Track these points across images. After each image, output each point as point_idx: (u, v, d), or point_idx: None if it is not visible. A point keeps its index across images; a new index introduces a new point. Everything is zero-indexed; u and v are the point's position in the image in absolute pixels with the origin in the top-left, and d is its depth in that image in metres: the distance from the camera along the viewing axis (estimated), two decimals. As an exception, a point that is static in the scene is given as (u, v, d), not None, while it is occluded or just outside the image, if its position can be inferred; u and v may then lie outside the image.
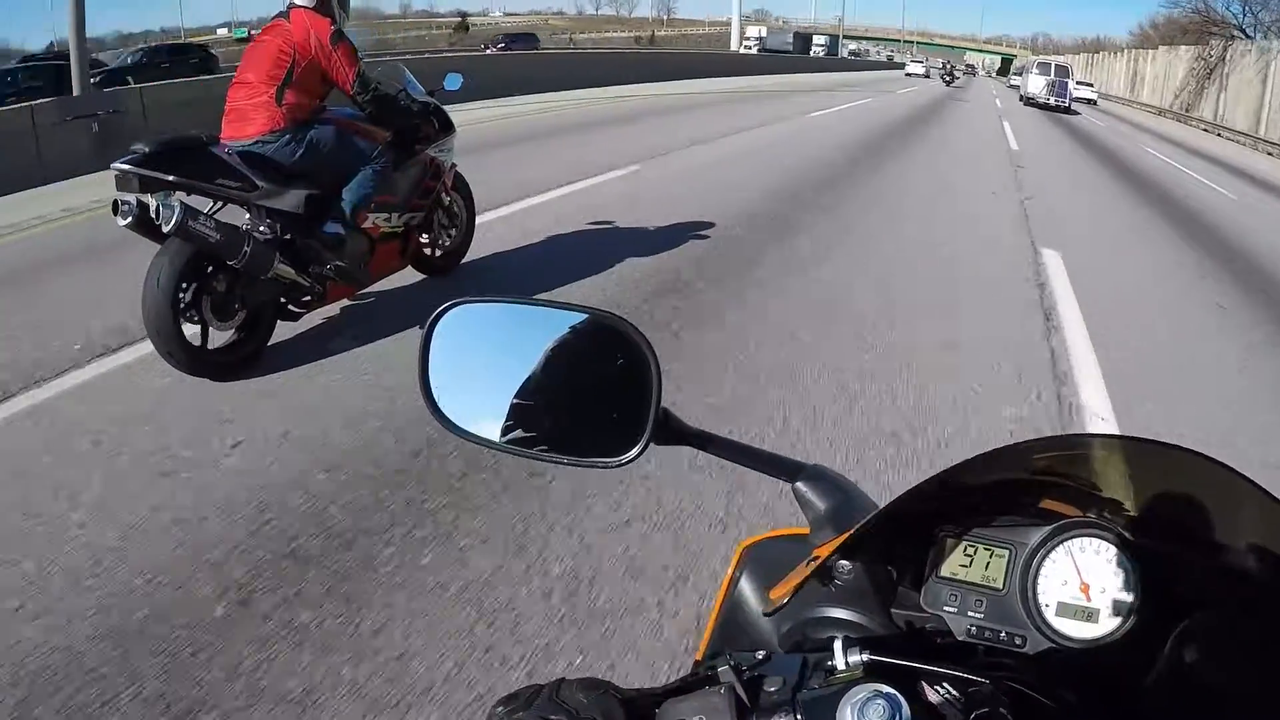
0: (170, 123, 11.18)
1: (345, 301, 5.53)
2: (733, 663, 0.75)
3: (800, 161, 13.07)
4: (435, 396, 1.07)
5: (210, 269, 4.48)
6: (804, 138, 16.86)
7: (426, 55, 26.52)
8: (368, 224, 5.18)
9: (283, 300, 4.90)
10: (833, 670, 0.75)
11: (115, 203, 4.26)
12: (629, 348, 0.97)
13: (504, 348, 1.08)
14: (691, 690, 0.77)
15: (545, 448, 1.02)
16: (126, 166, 4.21)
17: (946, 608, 0.86)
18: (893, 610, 0.90)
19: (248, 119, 4.78)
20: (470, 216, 6.34)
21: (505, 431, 1.03)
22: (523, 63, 28.20)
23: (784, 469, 1.01)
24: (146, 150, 4.27)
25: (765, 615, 0.97)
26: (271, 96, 4.77)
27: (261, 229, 4.74)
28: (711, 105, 22.67)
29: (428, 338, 1.06)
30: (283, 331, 4.99)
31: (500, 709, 0.78)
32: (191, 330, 4.47)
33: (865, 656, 0.74)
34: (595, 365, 1.02)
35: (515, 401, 1.02)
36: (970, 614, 0.85)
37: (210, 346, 4.57)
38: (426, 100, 5.74)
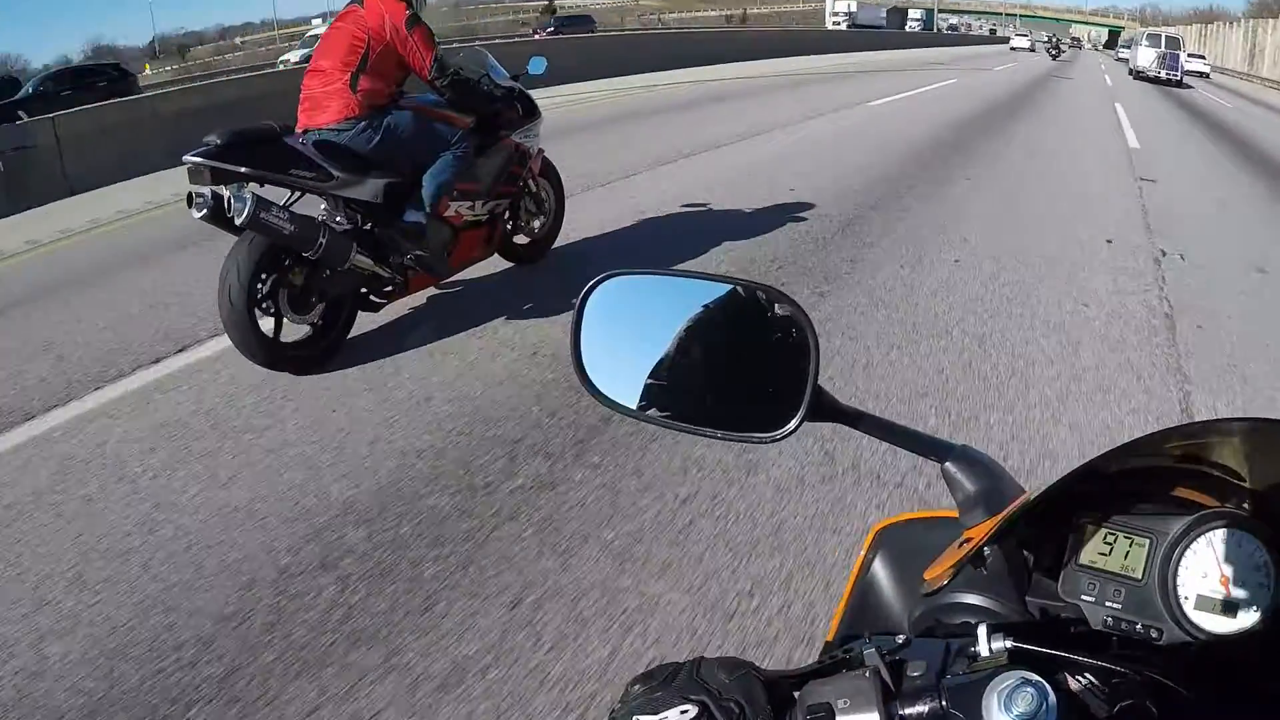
0: (91, 155, 11.19)
1: (432, 290, 5.34)
2: (876, 646, 0.74)
3: (812, 194, 8.20)
4: (587, 369, 1.05)
5: (287, 261, 4.34)
6: (842, 143, 11.77)
7: (499, 41, 25.62)
8: (450, 212, 4.96)
9: (364, 291, 4.72)
10: (975, 657, 0.73)
11: (190, 195, 4.14)
12: (786, 320, 0.95)
13: (657, 320, 1.04)
14: (832, 672, 0.75)
15: (697, 421, 0.99)
16: (198, 159, 4.08)
17: (1084, 597, 0.85)
18: (1027, 598, 0.88)
19: (322, 107, 4.59)
20: (559, 202, 6.09)
21: (657, 404, 1.02)
22: (612, 45, 27.06)
23: (934, 449, 0.97)
24: (219, 142, 4.14)
25: (924, 595, 0.93)
26: (346, 83, 4.57)
27: (338, 219, 4.55)
28: (752, 95, 18.12)
29: (580, 310, 1.05)
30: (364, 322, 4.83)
31: (636, 687, 0.76)
32: (271, 324, 4.36)
33: (1009, 643, 0.72)
34: (749, 337, 1.00)
35: (667, 374, 1.01)
36: (1108, 604, 0.84)
37: (289, 340, 4.45)
38: (510, 85, 5.51)
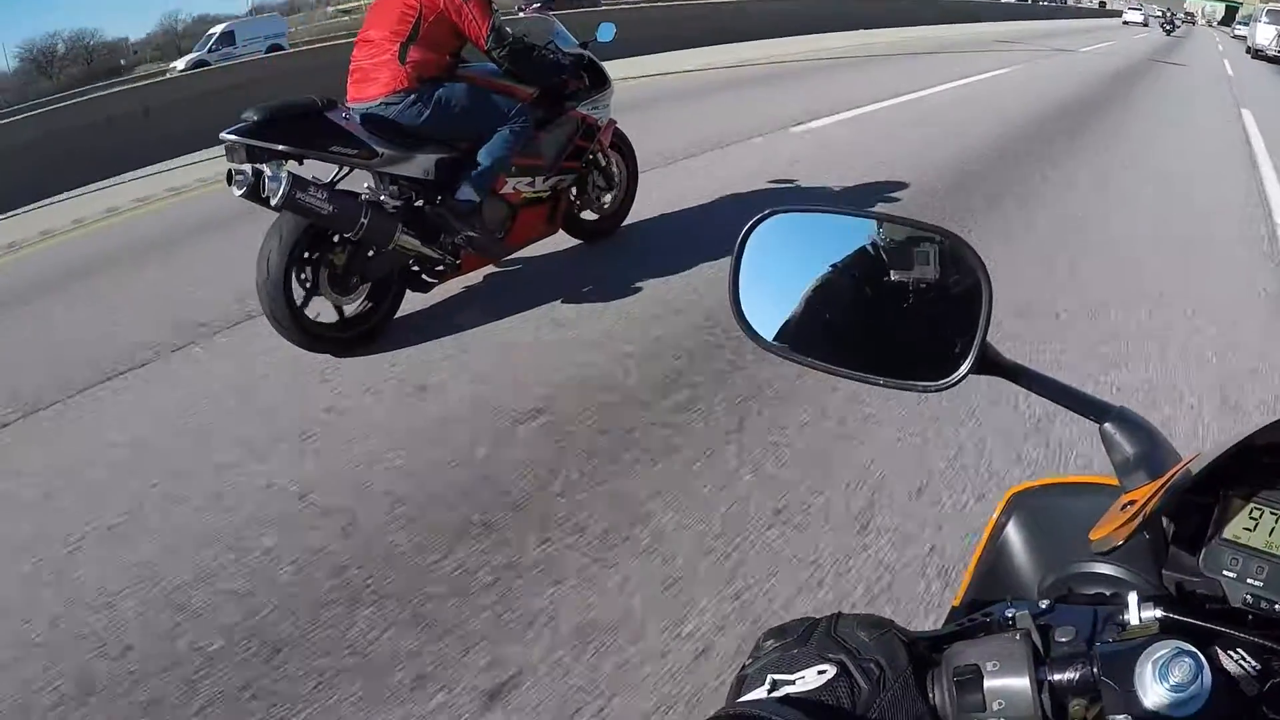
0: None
1: (491, 268, 5.15)
2: (1025, 609, 0.72)
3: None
4: (744, 309, 1.03)
5: (334, 238, 4.21)
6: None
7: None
8: (507, 189, 4.75)
9: (416, 269, 4.57)
10: (1124, 625, 0.70)
11: (229, 172, 4.02)
12: (958, 265, 0.93)
13: (819, 260, 1.01)
14: (976, 635, 0.72)
15: (857, 366, 0.96)
16: (233, 136, 3.92)
17: (1226, 572, 0.79)
18: (1164, 570, 0.83)
19: (370, 79, 4.41)
20: (632, 177, 5.79)
21: (816, 347, 1.01)
22: (695, 14, 22.29)
23: (1093, 409, 0.93)
24: (255, 118, 3.95)
25: (1098, 555, 0.88)
26: (395, 54, 4.36)
27: (383, 197, 4.36)
28: (762, 82, 13.80)
29: (740, 248, 1.03)
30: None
31: (770, 642, 0.75)
32: (314, 304, 4.26)
33: (1160, 613, 0.69)
34: (917, 281, 0.96)
35: (828, 316, 1.00)
36: (1249, 581, 0.78)
37: (331, 320, 4.35)
38: (578, 53, 5.22)
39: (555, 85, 4.96)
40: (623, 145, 5.67)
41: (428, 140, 4.43)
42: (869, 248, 0.98)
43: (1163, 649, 0.63)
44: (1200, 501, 0.82)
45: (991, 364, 0.93)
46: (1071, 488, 1.06)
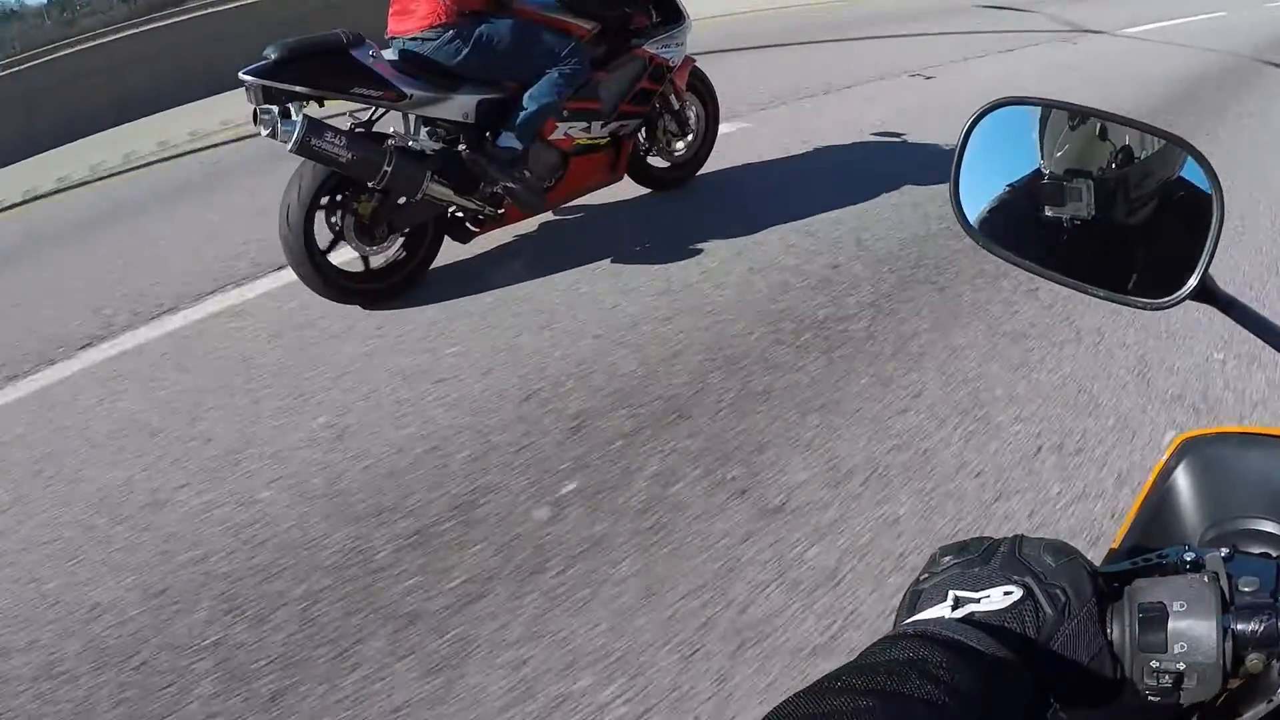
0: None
1: (548, 216, 4.79)
2: (1208, 554, 0.71)
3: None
4: (963, 205, 1.02)
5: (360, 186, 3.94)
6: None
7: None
8: (558, 135, 4.35)
9: (459, 216, 4.26)
10: None
11: (255, 112, 3.77)
12: (1191, 178, 0.88)
13: (1043, 156, 0.96)
14: (1161, 574, 0.70)
15: (1076, 274, 0.94)
16: (250, 77, 3.66)
17: None
18: None
19: (409, 11, 4.05)
20: (712, 121, 5.27)
21: (1035, 249, 0.98)
22: None
23: None
24: (274, 56, 3.67)
25: (1267, 513, 0.87)
26: None
27: (410, 142, 4.03)
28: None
29: (965, 139, 1.00)
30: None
31: (948, 558, 0.72)
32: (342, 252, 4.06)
33: None
34: (1146, 192, 0.94)
35: (1048, 217, 0.95)
36: None
37: (360, 269, 4.11)
38: None
39: (618, 20, 4.50)
40: (702, 87, 5.16)
41: (468, 80, 4.08)
42: (1096, 149, 0.93)
43: None
44: None
45: (1207, 291, 0.88)
46: (1248, 438, 1.00)
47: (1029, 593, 0.66)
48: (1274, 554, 0.76)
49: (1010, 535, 0.73)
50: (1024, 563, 0.69)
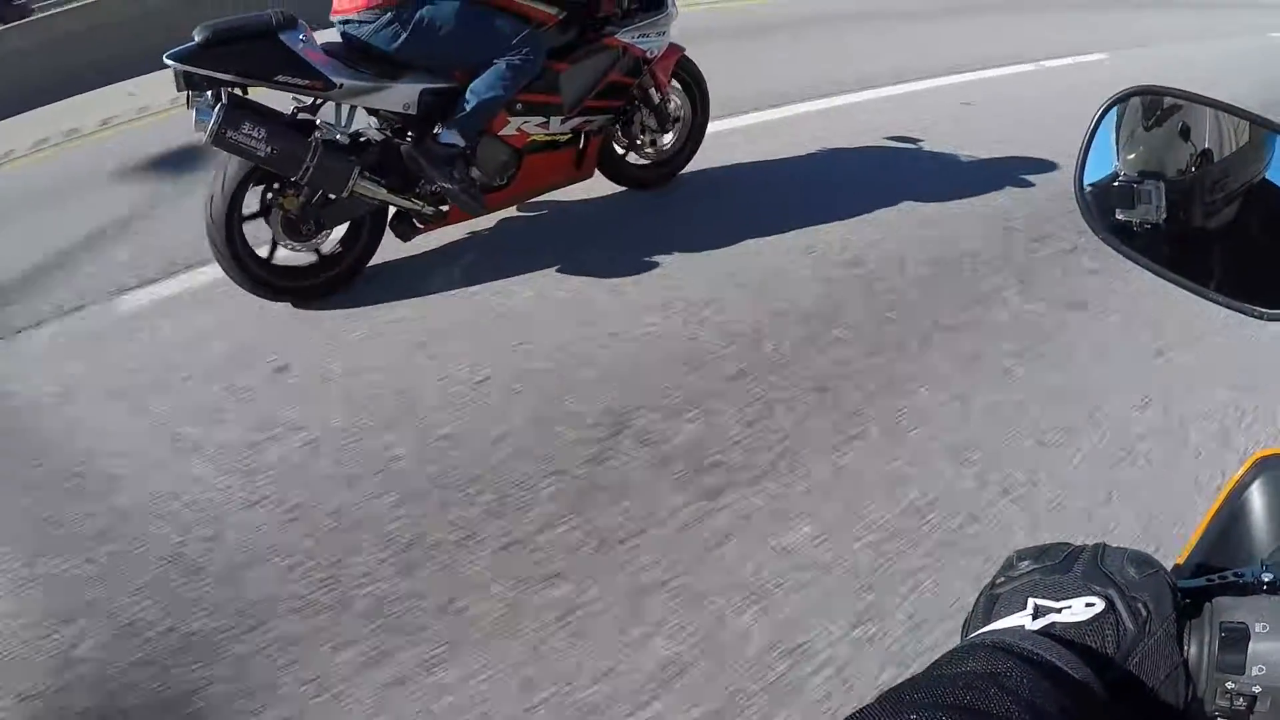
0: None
1: (509, 211, 4.44)
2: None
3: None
4: (1086, 192, 0.99)
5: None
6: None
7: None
8: (509, 130, 4.00)
9: (410, 211, 3.97)
10: None
11: (187, 96, 3.52)
12: (1276, 180, 0.87)
13: (1172, 151, 0.95)
14: (1238, 592, 0.69)
15: (1193, 276, 0.92)
16: (172, 62, 3.41)
17: None
18: None
19: None
20: (700, 115, 4.82)
21: (1153, 246, 0.94)
22: None
23: None
24: (198, 39, 3.42)
25: None
26: None
27: (340, 136, 3.73)
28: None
29: (1095, 126, 0.97)
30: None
31: (1026, 563, 0.70)
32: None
33: None
34: (1261, 192, 0.90)
35: (1170, 214, 0.93)
36: None
37: (291, 264, 3.87)
38: None
39: (585, 7, 4.09)
40: (690, 78, 4.72)
41: (411, 67, 3.78)
42: (1234, 149, 0.90)
43: None
44: None
45: None
46: None
47: (1110, 605, 0.65)
48: None
49: (1092, 544, 0.72)
50: (1106, 573, 0.67)
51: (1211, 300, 0.91)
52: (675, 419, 3.10)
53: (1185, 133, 0.92)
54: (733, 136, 5.50)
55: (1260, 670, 0.62)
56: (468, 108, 3.77)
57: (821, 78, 6.76)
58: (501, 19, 3.82)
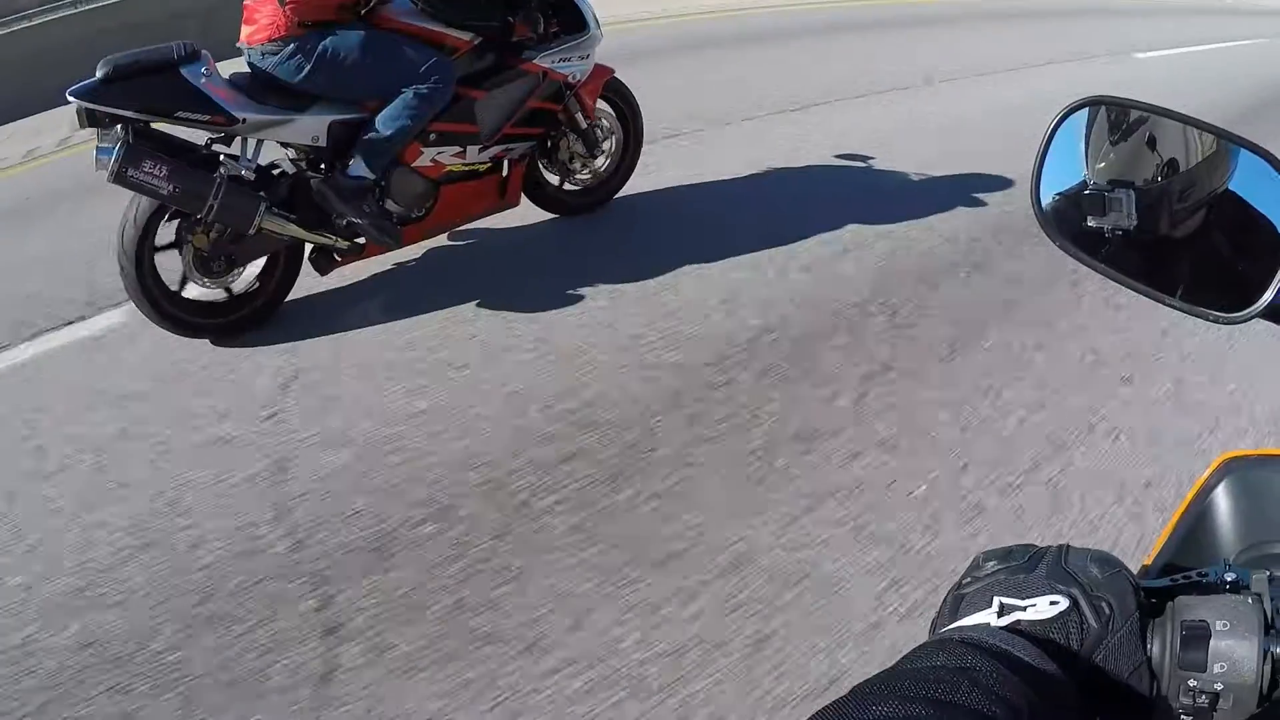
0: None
1: (437, 240, 4.34)
2: (1254, 575, 0.70)
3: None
4: (1043, 200, 1.00)
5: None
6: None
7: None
8: (423, 161, 3.90)
9: (330, 246, 3.88)
10: None
11: (97, 132, 3.46)
12: (1272, 190, 0.87)
13: (1127, 158, 0.97)
14: (1201, 592, 0.69)
15: (1151, 282, 0.94)
16: (74, 99, 3.35)
17: None
18: None
19: (253, 21, 3.67)
20: (633, 138, 4.71)
21: (1111, 253, 0.96)
22: None
23: None
24: (100, 75, 3.35)
25: None
26: None
27: (244, 172, 3.64)
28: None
29: (1050, 136, 0.98)
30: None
31: (992, 563, 0.71)
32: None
33: None
34: (1224, 201, 0.92)
35: (1131, 222, 0.94)
36: None
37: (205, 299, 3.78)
38: None
39: (498, 32, 3.98)
40: (621, 101, 4.62)
41: (320, 98, 3.70)
42: (1179, 154, 0.92)
43: None
44: None
45: (1278, 309, 0.86)
46: None
47: (1075, 604, 0.66)
48: None
49: (1056, 544, 0.72)
50: (1070, 573, 0.68)
51: (1169, 305, 0.92)
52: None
53: (1152, 143, 0.94)
54: (668, 158, 5.40)
55: (1222, 668, 0.63)
56: (375, 140, 3.69)
57: (762, 97, 6.69)
58: (409, 47, 3.74)
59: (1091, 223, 0.95)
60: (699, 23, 9.64)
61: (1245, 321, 0.87)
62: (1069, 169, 0.99)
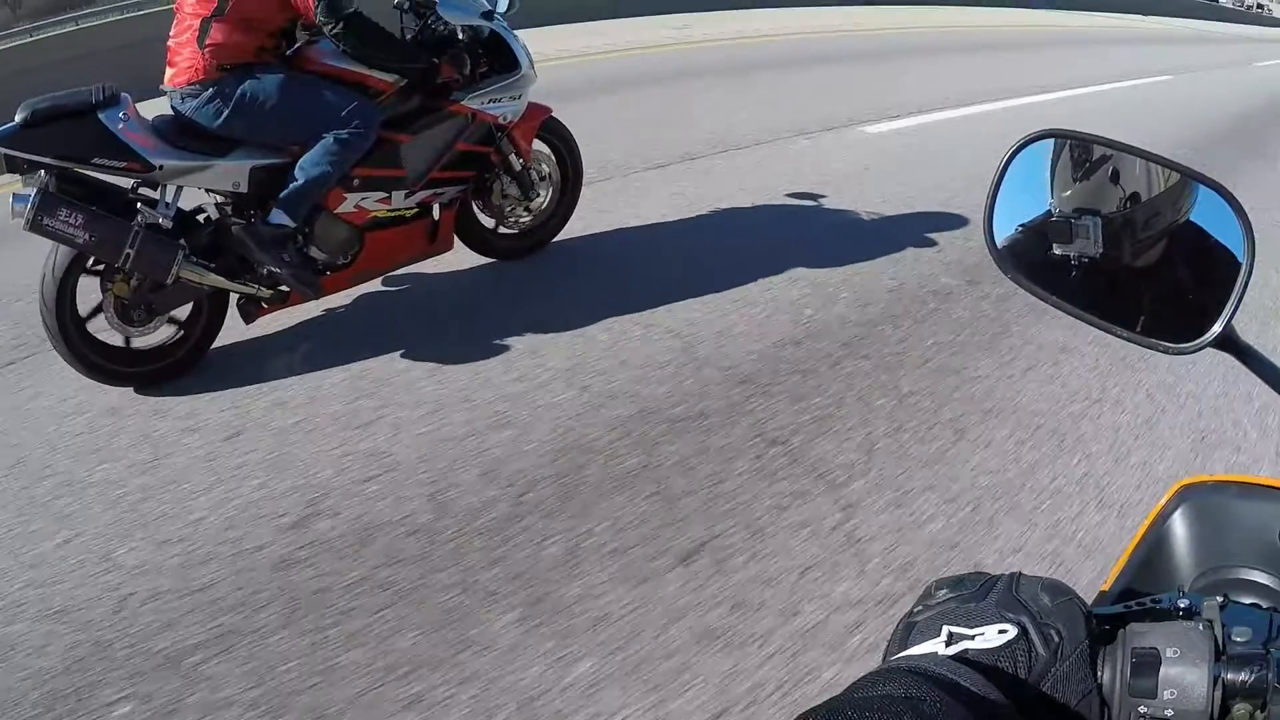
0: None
1: (371, 285, 4.25)
2: (1205, 601, 0.70)
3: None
4: (996, 233, 1.01)
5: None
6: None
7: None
8: (346, 207, 3.82)
9: (252, 294, 3.79)
10: None
11: (23, 178, 3.42)
12: (1224, 224, 0.88)
13: (1081, 192, 0.97)
14: (1152, 619, 0.70)
15: (1102, 314, 0.94)
16: None
17: None
18: None
19: (174, 63, 3.63)
20: (570, 180, 4.64)
21: (1062, 285, 0.96)
22: None
23: None
24: (19, 119, 3.29)
25: (1260, 565, 0.87)
26: (195, 34, 3.53)
27: (162, 220, 3.56)
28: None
29: (1004, 168, 0.99)
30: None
31: (943, 591, 0.72)
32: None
33: None
34: (1179, 235, 0.93)
35: (1080, 254, 0.95)
36: None
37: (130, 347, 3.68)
38: (476, 24, 4.09)
39: (424, 75, 3.91)
40: (559, 141, 4.55)
41: (241, 142, 3.63)
42: (1142, 187, 0.93)
43: None
44: None
45: (1227, 339, 0.88)
46: (1247, 488, 0.99)
47: (1023, 632, 0.66)
48: (1265, 605, 0.76)
49: (1008, 572, 0.72)
50: (1020, 601, 0.68)
51: (1120, 337, 0.92)
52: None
53: (1115, 176, 0.94)
54: (610, 200, 5.33)
55: (1171, 694, 0.63)
56: (295, 186, 3.62)
57: (701, 135, 6.67)
58: (331, 90, 3.68)
59: (1057, 250, 0.95)
60: (625, 59, 9.68)
61: (1195, 352, 0.88)
62: (1024, 201, 0.99)
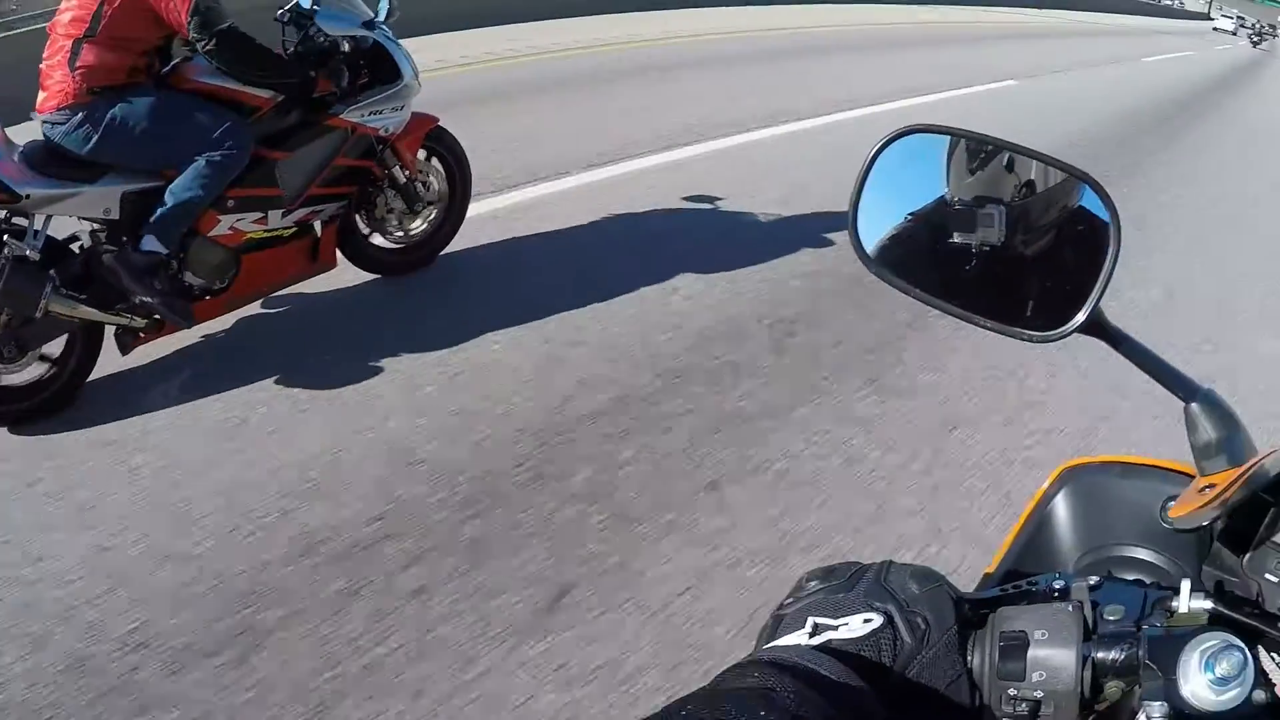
0: None
1: (251, 308, 4.11)
2: (1078, 582, 0.71)
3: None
4: (861, 232, 1.00)
5: None
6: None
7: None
8: (220, 230, 3.70)
9: (126, 325, 3.63)
10: (1172, 612, 0.68)
11: None
12: (1090, 213, 0.91)
13: (944, 185, 0.96)
14: (1020, 601, 0.71)
15: (966, 305, 0.94)
16: None
17: (1269, 576, 0.77)
18: (1204, 566, 0.84)
19: (45, 87, 3.50)
20: (458, 192, 4.56)
21: (927, 279, 0.97)
22: None
23: (1183, 387, 0.90)
24: None
25: (1177, 531, 0.82)
26: (66, 57, 3.40)
27: (29, 252, 3.39)
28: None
29: (869, 165, 0.99)
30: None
31: (814, 583, 0.72)
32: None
33: (1210, 605, 0.67)
34: (1044, 223, 0.96)
35: (947, 248, 0.95)
36: None
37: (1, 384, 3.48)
38: (358, 35, 4.00)
39: (297, 88, 3.80)
40: (447, 152, 4.47)
41: (111, 167, 3.50)
42: (998, 179, 0.94)
43: (1212, 640, 0.61)
44: (1256, 501, 0.77)
45: (1095, 324, 0.89)
46: (1130, 469, 1.00)
47: (889, 620, 0.66)
48: (1147, 581, 0.75)
49: (879, 561, 0.73)
50: (888, 589, 0.69)
51: (981, 326, 0.92)
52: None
53: (1010, 165, 0.94)
54: (501, 213, 5.29)
55: (1040, 676, 0.64)
56: (165, 211, 3.50)
57: (590, 146, 6.62)
58: (202, 111, 3.56)
59: (958, 239, 0.94)
60: (540, 62, 9.61)
61: (1060, 339, 0.88)
62: (893, 200, 0.98)
